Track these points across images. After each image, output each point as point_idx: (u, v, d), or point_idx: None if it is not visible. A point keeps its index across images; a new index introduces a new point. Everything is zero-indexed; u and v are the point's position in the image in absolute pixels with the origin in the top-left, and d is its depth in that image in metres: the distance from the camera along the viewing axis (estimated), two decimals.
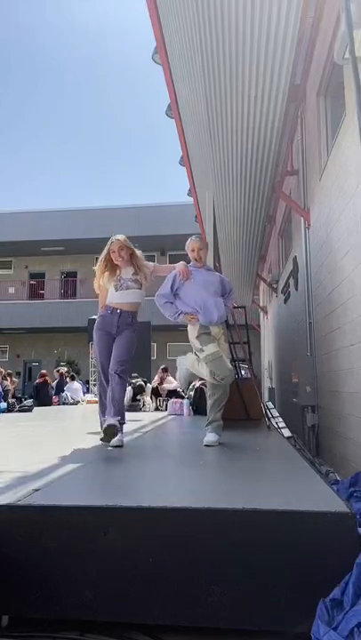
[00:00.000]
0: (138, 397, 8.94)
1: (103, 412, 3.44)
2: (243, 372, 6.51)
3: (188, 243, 3.65)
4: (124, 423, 3.34)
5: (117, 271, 3.52)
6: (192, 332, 3.52)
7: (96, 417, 3.69)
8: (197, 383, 6.61)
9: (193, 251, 3.60)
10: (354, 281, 3.69)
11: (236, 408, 5.08)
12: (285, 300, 8.30)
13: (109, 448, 3.09)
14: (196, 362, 3.53)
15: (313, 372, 5.47)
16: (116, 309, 3.50)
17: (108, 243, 3.53)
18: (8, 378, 11.01)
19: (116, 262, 3.50)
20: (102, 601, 1.65)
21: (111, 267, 3.52)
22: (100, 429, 3.29)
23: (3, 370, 11.29)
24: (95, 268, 3.63)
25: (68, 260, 22.09)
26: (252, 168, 6.48)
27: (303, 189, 5.87)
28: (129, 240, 3.57)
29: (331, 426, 4.67)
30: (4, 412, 8.98)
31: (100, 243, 3.55)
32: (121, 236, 3.56)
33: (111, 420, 3.14)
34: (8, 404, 9.42)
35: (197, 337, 3.45)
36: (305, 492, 1.98)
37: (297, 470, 2.50)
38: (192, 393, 7.58)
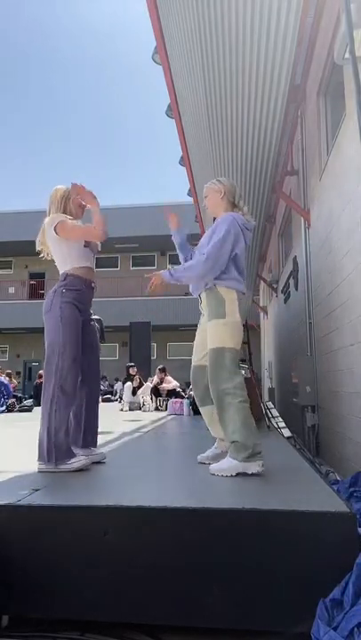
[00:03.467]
0: (135, 380, 8.91)
1: (75, 432, 2.62)
2: (243, 372, 6.51)
3: None
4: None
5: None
6: None
7: None
8: None
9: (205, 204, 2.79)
10: (354, 281, 3.69)
11: None
12: (285, 300, 8.30)
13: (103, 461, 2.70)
14: None
15: (313, 372, 5.47)
16: (91, 282, 2.65)
17: (68, 190, 2.66)
18: (7, 377, 11.01)
19: (77, 211, 2.68)
20: (102, 601, 1.65)
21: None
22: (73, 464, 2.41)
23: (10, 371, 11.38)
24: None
25: None
26: (252, 168, 6.48)
27: (303, 189, 5.87)
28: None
29: (331, 426, 4.67)
30: (3, 412, 8.97)
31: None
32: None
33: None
34: (7, 404, 9.39)
35: None
36: (305, 492, 1.97)
37: (297, 470, 2.50)
38: (192, 393, 7.57)
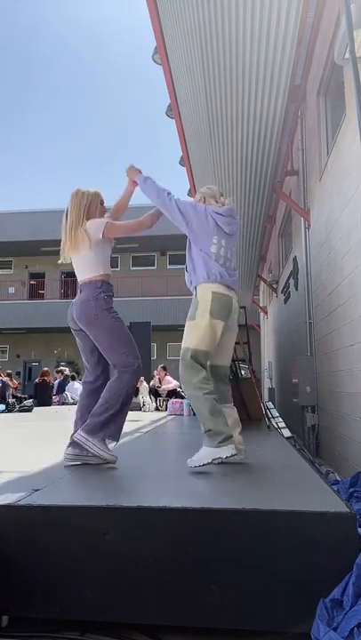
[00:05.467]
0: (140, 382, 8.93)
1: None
2: (243, 372, 6.51)
3: None
4: None
5: None
6: None
7: None
8: None
9: None
10: (354, 281, 3.68)
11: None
12: (285, 301, 8.30)
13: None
14: None
15: (313, 372, 5.47)
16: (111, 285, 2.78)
17: (93, 194, 2.77)
18: (7, 378, 11.01)
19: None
20: (102, 601, 1.65)
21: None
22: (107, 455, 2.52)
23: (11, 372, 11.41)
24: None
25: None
26: (252, 168, 6.48)
27: (303, 189, 5.87)
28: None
29: (330, 426, 4.67)
30: (3, 412, 8.97)
31: None
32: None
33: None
34: (7, 404, 9.39)
35: None
36: (305, 492, 1.98)
37: (297, 470, 2.50)
38: None
